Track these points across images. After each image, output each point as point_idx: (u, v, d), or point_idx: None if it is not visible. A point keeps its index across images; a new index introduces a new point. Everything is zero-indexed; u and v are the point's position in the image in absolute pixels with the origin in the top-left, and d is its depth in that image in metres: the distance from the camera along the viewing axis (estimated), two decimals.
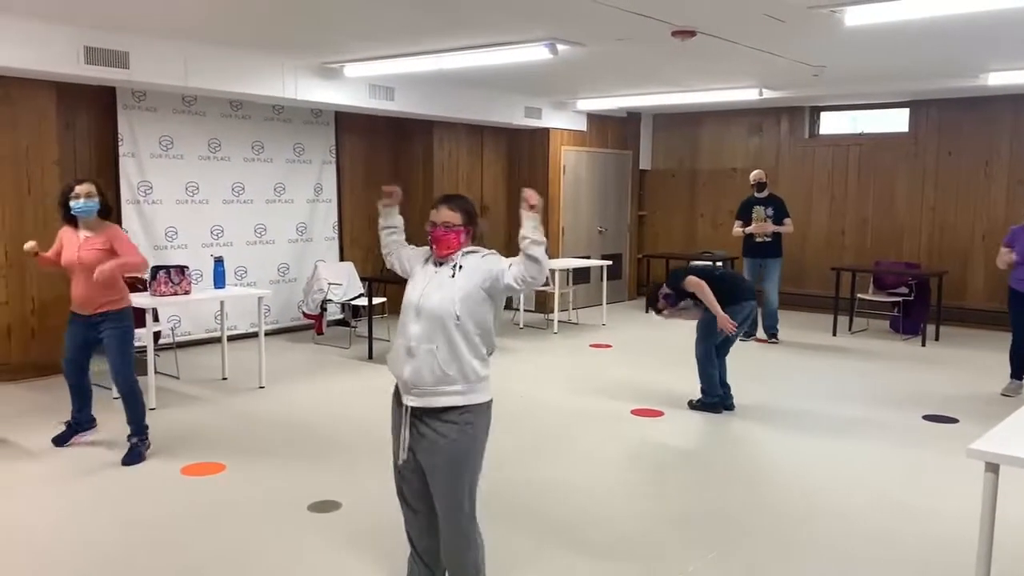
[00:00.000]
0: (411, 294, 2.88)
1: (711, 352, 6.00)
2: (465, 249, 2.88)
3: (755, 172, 8.90)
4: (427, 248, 3.00)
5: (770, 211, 8.64)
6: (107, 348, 4.74)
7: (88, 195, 4.58)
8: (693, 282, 5.72)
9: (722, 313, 5.68)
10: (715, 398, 6.04)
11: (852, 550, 3.74)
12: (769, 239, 8.65)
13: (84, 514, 4.07)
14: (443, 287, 2.80)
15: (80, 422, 5.07)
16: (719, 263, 10.57)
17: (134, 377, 4.84)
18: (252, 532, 3.86)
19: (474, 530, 2.94)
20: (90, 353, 4.92)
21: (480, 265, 2.83)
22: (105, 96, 7.37)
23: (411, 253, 3.07)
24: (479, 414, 2.84)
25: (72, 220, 4.70)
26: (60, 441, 5.00)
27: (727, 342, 6.06)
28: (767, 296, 8.61)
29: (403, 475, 2.97)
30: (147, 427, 4.92)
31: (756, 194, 8.76)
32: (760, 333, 8.74)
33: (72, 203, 4.59)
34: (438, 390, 2.78)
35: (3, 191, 6.44)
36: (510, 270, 2.78)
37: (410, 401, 2.83)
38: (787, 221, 8.67)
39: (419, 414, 2.82)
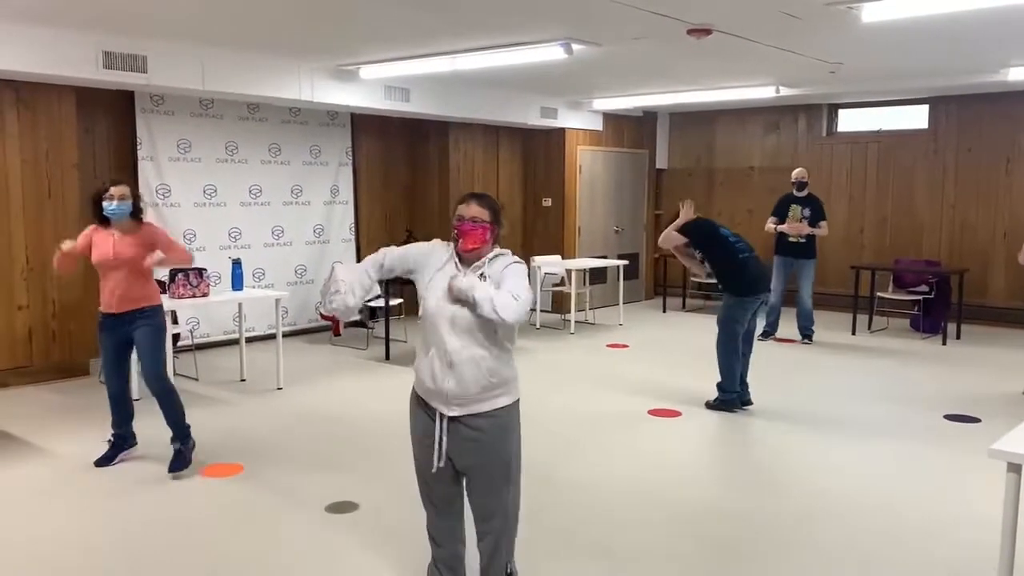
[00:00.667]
0: (440, 303, 2.79)
1: (737, 347, 5.92)
2: (491, 254, 2.85)
3: (797, 170, 8.79)
4: (438, 245, 2.94)
5: (807, 211, 8.56)
6: (139, 346, 4.62)
7: (122, 197, 4.51)
8: (678, 245, 5.99)
9: (684, 253, 6.03)
10: (732, 394, 5.99)
11: (872, 552, 3.70)
12: (803, 240, 8.56)
13: (102, 515, 4.10)
14: None
15: (124, 437, 4.85)
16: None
17: (167, 376, 4.77)
18: (270, 533, 3.88)
19: (513, 529, 2.96)
20: (128, 355, 4.74)
21: (501, 276, 2.78)
22: (123, 100, 7.44)
23: (409, 253, 2.95)
24: (513, 410, 2.88)
25: (103, 220, 4.60)
26: (104, 462, 4.75)
27: (748, 335, 6.02)
28: (801, 298, 8.55)
29: (433, 479, 2.92)
30: (189, 427, 4.78)
31: (795, 192, 8.68)
32: (783, 333, 8.66)
33: (105, 204, 4.52)
34: (484, 396, 2.77)
35: (24, 195, 6.51)
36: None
37: (453, 412, 2.79)
38: (823, 224, 8.58)
39: (458, 418, 2.80)
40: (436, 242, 2.97)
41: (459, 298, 2.70)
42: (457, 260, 2.87)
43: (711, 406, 6.05)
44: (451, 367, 2.75)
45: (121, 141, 7.57)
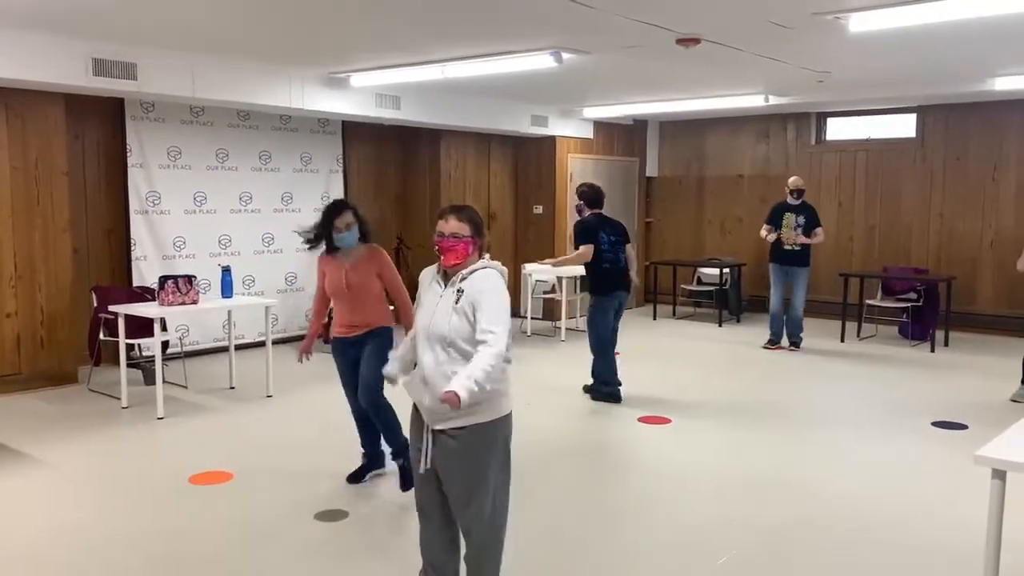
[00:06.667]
0: (422, 319, 2.86)
1: (608, 341, 6.43)
2: (466, 270, 2.85)
3: (793, 179, 8.75)
4: (424, 272, 3.00)
5: (801, 219, 8.55)
6: (364, 360, 4.46)
7: (347, 226, 4.42)
8: (582, 250, 6.30)
9: (554, 266, 6.95)
10: (614, 387, 6.46)
11: (858, 557, 3.72)
12: (798, 248, 8.59)
13: (91, 523, 4.09)
14: (448, 313, 2.77)
15: (377, 456, 4.73)
16: (727, 268, 10.57)
17: (381, 392, 4.40)
18: (259, 541, 3.87)
19: (497, 542, 2.95)
20: None
21: (476, 295, 2.77)
22: (113, 107, 7.43)
23: (420, 290, 3.00)
24: (497, 425, 2.85)
25: (333, 248, 4.50)
26: (356, 478, 4.67)
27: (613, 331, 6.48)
28: (793, 305, 8.59)
29: (421, 487, 2.97)
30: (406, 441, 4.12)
31: (790, 200, 8.68)
32: (783, 340, 8.72)
33: (335, 236, 4.43)
34: (457, 413, 2.73)
35: (13, 202, 6.48)
36: (479, 337, 2.70)
37: (436, 425, 2.82)
38: (819, 231, 8.61)
39: (439, 430, 2.83)
40: (423, 272, 3.02)
41: (469, 404, 2.60)
42: (439, 277, 2.89)
43: (587, 389, 6.60)
44: (426, 383, 2.79)
45: (111, 148, 7.56)
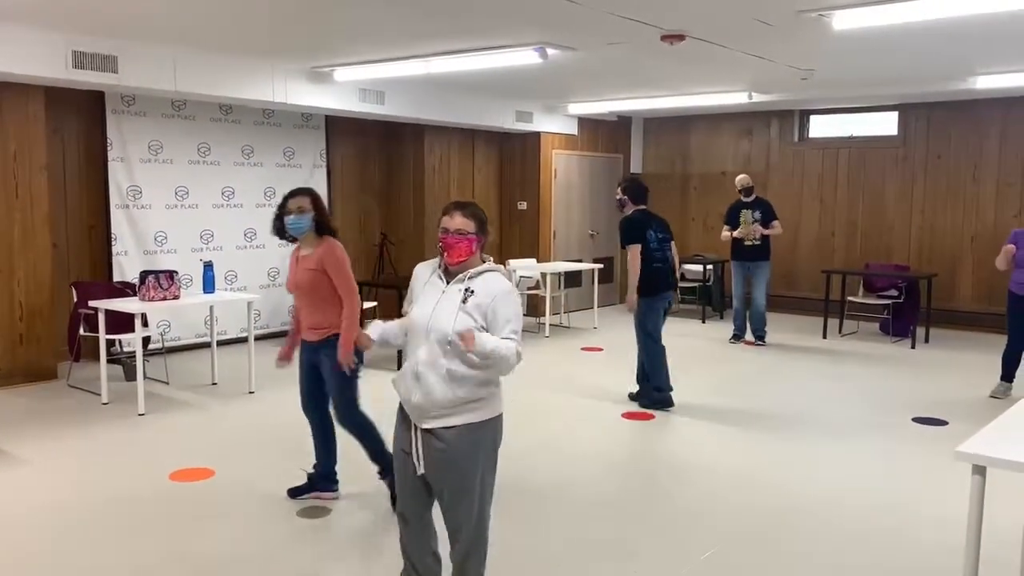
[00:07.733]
0: (419, 315, 2.81)
1: (659, 345, 6.17)
2: (474, 269, 2.82)
3: (740, 177, 8.89)
4: (421, 266, 2.96)
5: (757, 214, 8.65)
6: (325, 377, 4.11)
7: (300, 210, 4.00)
8: (632, 255, 6.01)
9: (633, 284, 6.04)
10: (666, 392, 6.16)
11: (839, 553, 3.74)
12: (757, 242, 8.66)
13: (70, 519, 4.05)
14: (453, 311, 2.74)
15: (323, 476, 4.34)
16: (711, 265, 10.62)
17: (357, 410, 4.13)
18: (240, 538, 3.84)
19: (482, 542, 2.94)
20: (322, 383, 4.17)
21: (488, 297, 2.76)
22: (93, 100, 7.35)
23: (410, 296, 2.96)
24: (488, 426, 2.83)
25: (289, 237, 4.12)
26: (295, 493, 4.33)
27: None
28: (755, 300, 8.64)
29: (405, 490, 2.93)
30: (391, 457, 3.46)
31: (743, 198, 8.77)
32: (748, 335, 8.79)
33: (285, 219, 4.05)
34: (453, 410, 2.74)
35: None
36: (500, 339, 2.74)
37: (424, 424, 2.78)
38: (775, 223, 8.69)
39: (429, 430, 2.79)
40: (419, 266, 2.99)
41: (478, 353, 2.66)
42: (441, 272, 2.86)
43: (644, 405, 6.21)
44: (418, 379, 2.75)
45: (91, 142, 7.48)
